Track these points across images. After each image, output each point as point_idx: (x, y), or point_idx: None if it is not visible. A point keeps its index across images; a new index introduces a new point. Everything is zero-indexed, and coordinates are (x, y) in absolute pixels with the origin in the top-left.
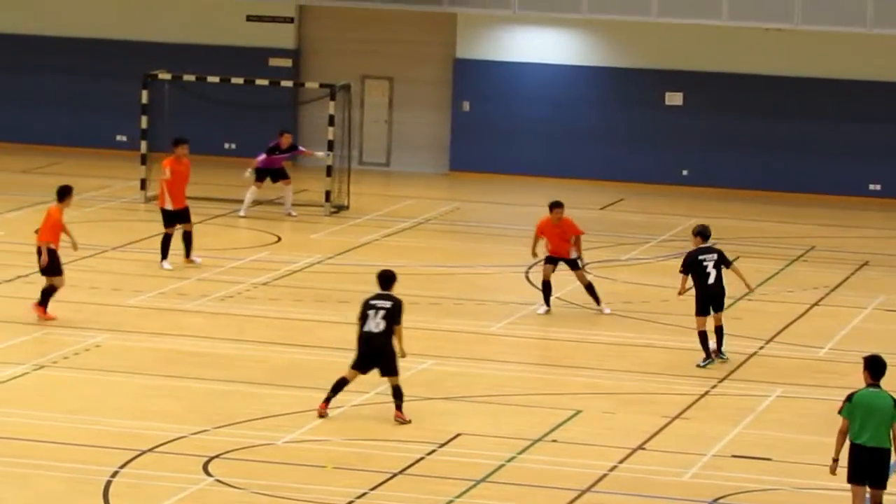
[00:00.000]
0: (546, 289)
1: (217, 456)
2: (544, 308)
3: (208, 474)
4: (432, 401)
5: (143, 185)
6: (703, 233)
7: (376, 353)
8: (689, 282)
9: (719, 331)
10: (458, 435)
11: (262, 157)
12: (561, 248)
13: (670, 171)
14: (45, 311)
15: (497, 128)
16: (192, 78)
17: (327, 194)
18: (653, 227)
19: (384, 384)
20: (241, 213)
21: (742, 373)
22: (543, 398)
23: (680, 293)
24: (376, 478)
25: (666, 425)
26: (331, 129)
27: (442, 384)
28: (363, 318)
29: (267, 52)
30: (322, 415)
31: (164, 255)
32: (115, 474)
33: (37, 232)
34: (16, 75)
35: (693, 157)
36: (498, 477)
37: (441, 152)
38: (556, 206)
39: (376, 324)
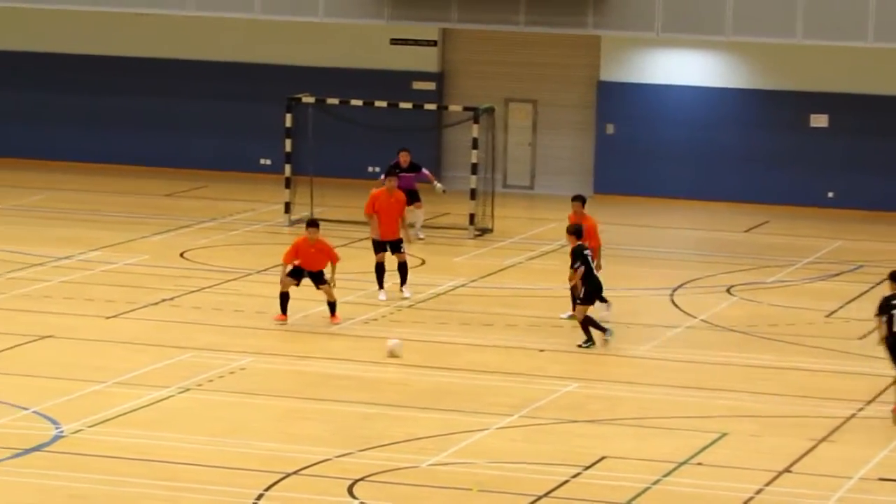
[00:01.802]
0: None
1: (362, 479)
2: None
3: (353, 497)
4: (577, 423)
5: (287, 208)
6: (574, 231)
7: None
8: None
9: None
10: (603, 458)
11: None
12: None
13: (815, 193)
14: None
15: (641, 150)
16: (335, 101)
17: (471, 217)
18: (798, 249)
19: (531, 405)
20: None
21: (890, 395)
22: (689, 421)
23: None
24: (521, 500)
25: (812, 448)
26: (474, 152)
27: (587, 407)
28: (889, 318)
29: (410, 76)
30: None
31: (380, 284)
32: (260, 497)
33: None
34: (161, 100)
35: (838, 179)
36: (643, 500)
37: (585, 175)
38: (576, 199)
39: None
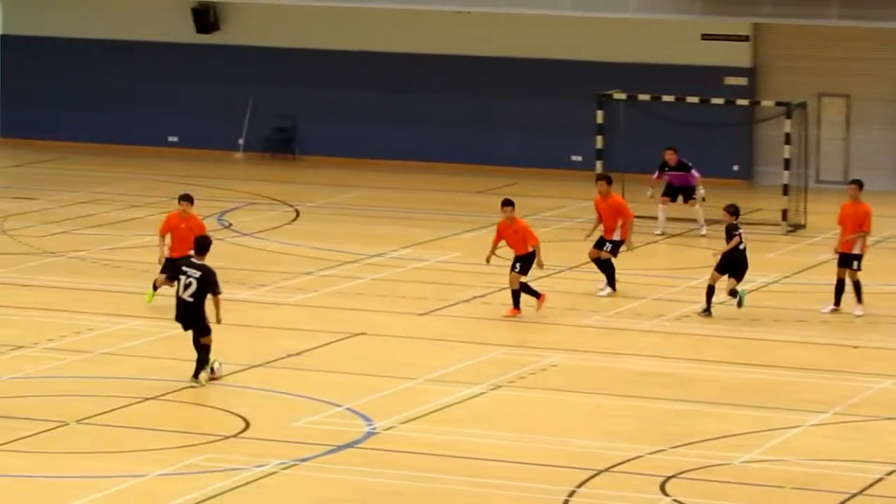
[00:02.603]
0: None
1: (674, 476)
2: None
3: (665, 494)
4: (892, 420)
5: None
6: (733, 211)
7: None
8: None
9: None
10: None
11: (655, 174)
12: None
13: None
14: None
15: None
16: (646, 97)
17: (784, 213)
18: None
19: (844, 402)
20: (657, 233)
21: None
22: None
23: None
24: (834, 498)
25: None
26: (787, 147)
27: None
28: None
29: (722, 71)
30: None
31: (610, 283)
32: (571, 494)
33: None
34: (473, 97)
35: None
36: None
37: None
38: (853, 182)
39: None
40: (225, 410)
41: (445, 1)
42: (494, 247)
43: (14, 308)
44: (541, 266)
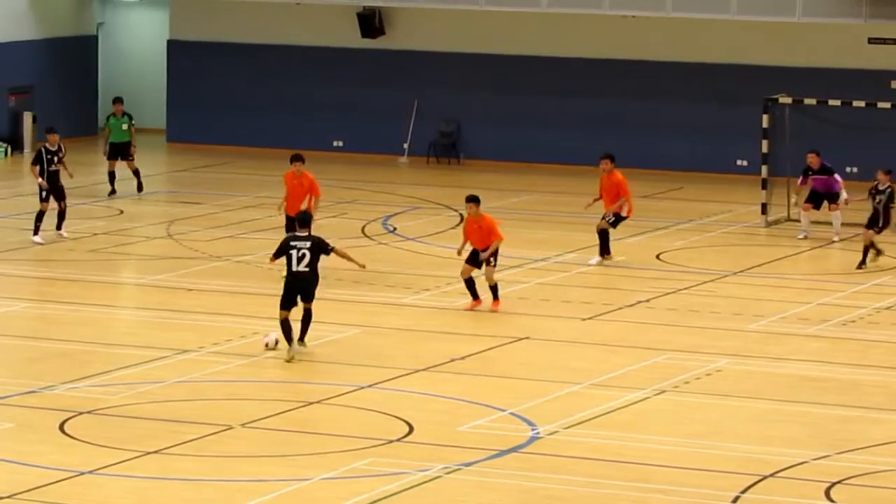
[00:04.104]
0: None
1: (839, 482)
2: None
3: (830, 500)
4: None
5: (764, 209)
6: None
7: None
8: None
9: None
10: None
11: (800, 179)
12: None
13: None
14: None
15: None
16: (812, 102)
17: None
18: None
19: None
20: (800, 237)
21: None
22: None
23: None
24: None
25: None
26: None
27: None
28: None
29: (889, 75)
30: None
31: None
32: (736, 499)
33: None
34: (639, 101)
35: None
36: None
37: None
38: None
39: None
40: (388, 414)
41: (611, 5)
42: (464, 242)
43: (180, 312)
44: (484, 260)
